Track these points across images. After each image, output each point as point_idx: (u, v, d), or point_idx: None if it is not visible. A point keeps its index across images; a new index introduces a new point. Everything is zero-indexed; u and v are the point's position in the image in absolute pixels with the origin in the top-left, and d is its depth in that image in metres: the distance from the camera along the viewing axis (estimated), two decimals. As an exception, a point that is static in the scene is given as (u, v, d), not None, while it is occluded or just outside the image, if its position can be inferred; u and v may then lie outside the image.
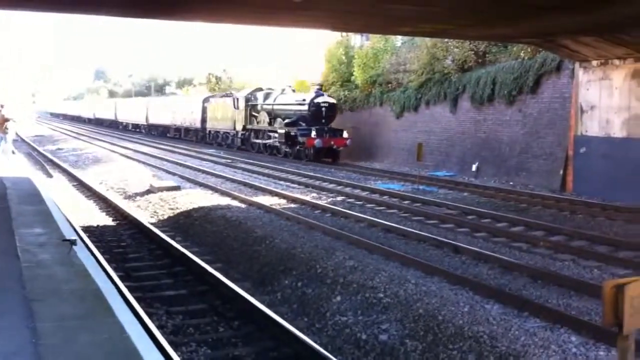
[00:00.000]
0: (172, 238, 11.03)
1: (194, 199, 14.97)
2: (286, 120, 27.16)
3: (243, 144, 32.04)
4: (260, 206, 14.03)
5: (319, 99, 26.09)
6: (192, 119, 40.07)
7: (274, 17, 14.33)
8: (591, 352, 5.84)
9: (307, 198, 15.38)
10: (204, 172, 21.57)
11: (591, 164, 16.72)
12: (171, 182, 17.97)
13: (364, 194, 16.39)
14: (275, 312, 7.05)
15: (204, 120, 37.86)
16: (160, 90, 74.70)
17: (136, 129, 53.56)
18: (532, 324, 6.65)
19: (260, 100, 30.34)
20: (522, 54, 20.54)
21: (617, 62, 16.01)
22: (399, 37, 27.79)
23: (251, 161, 25.64)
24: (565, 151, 17.74)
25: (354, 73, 29.92)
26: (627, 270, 8.73)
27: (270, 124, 29.02)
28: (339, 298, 7.66)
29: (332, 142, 25.33)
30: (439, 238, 10.55)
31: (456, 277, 8.26)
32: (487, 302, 7.34)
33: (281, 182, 19.02)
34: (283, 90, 29.93)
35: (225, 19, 15.52)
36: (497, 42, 21.84)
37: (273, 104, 29.20)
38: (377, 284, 7.96)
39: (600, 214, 13.35)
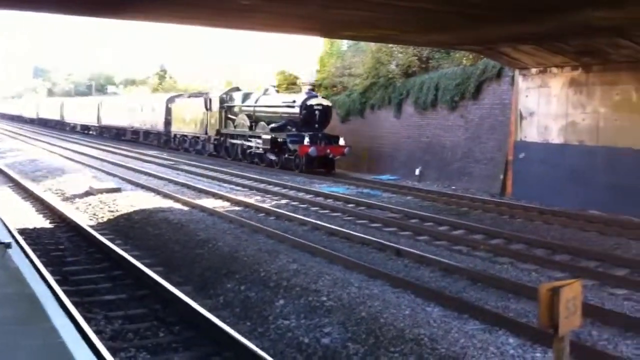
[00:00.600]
0: (112, 241, 10.79)
1: (135, 201, 14.70)
2: (272, 125, 23.89)
3: (216, 150, 28.74)
4: (203, 209, 13.88)
5: (312, 101, 22.90)
6: (153, 120, 36.43)
7: (222, 18, 14.22)
8: (528, 354, 5.97)
9: (251, 201, 15.30)
10: (146, 174, 21.20)
11: (530, 169, 17.15)
12: (111, 183, 17.61)
13: (308, 197, 16.40)
14: (217, 317, 6.97)
15: (168, 123, 34.23)
16: (102, 89, 73.12)
17: (86, 130, 49.88)
18: (471, 326, 6.76)
19: (237, 102, 27.16)
20: (464, 60, 20.94)
21: (555, 70, 16.46)
22: (345, 40, 27.85)
23: (195, 163, 25.32)
24: (505, 156, 18.14)
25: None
26: (563, 273, 8.97)
27: (251, 128, 25.59)
28: (282, 302, 7.62)
29: (329, 151, 22.26)
30: (382, 241, 10.63)
31: (398, 280, 8.33)
32: (428, 304, 7.43)
33: (225, 185, 18.86)
34: (266, 90, 26.58)
35: (172, 19, 15.32)
36: (439, 48, 22.20)
37: (255, 106, 25.77)
38: (320, 287, 7.96)
39: (538, 218, 13.69)
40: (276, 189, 17.95)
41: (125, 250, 10.11)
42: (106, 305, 7.74)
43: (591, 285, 8.49)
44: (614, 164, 15.12)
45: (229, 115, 27.75)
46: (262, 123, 24.75)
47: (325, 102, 23.40)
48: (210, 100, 28.76)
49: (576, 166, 15.88)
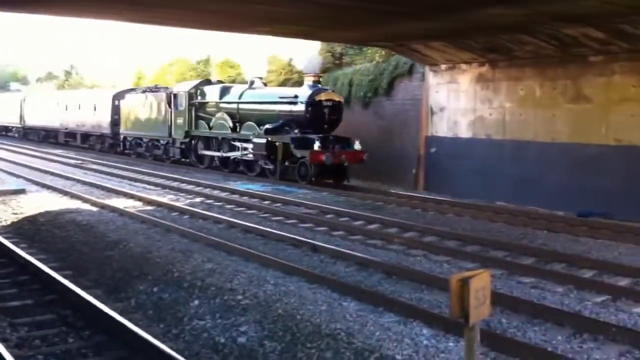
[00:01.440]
0: (16, 245, 10.28)
1: (40, 202, 14.08)
2: (266, 126, 19.17)
3: (184, 155, 24.07)
4: (113, 209, 13.45)
5: (321, 96, 18.57)
6: (95, 121, 31.02)
7: (134, 13, 13.86)
8: (441, 344, 6.08)
9: (164, 200, 14.96)
10: (52, 174, 20.38)
11: (441, 163, 17.60)
12: (14, 185, 16.82)
13: (223, 194, 16.20)
14: (129, 320, 6.74)
15: (115, 123, 29.11)
16: (4, 86, 69.80)
17: (4, 132, 43.22)
18: (387, 318, 6.84)
19: (213, 97, 22.51)
20: (377, 56, 21.23)
21: (463, 66, 16.93)
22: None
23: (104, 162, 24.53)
24: (417, 151, 18.53)
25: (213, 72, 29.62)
26: (474, 264, 9.21)
27: (234, 129, 21.01)
28: (196, 302, 7.47)
29: (344, 157, 17.87)
30: (298, 237, 10.61)
31: (315, 276, 8.32)
32: (345, 299, 7.46)
33: (137, 184, 18.37)
34: (252, 83, 21.86)
35: (83, 14, 14.80)
36: (352, 44, 22.43)
37: (239, 102, 21.29)
38: (236, 286, 7.86)
39: (450, 210, 14.04)
40: (190, 187, 17.65)
41: (31, 254, 9.64)
42: (11, 312, 7.35)
43: (500, 275, 8.77)
44: (519, 157, 15.71)
45: (201, 114, 23.05)
46: (250, 123, 20.34)
47: (337, 97, 19.12)
48: (174, 96, 24.01)
49: (484, 160, 16.41)
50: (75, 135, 33.82)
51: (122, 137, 28.64)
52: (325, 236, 11.20)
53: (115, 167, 22.74)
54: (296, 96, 19.06)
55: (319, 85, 19.21)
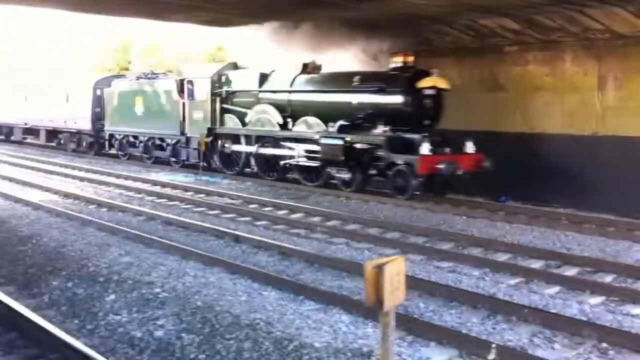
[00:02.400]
0: None
1: (-51, 197, 13.42)
2: (340, 122, 14.69)
3: (203, 159, 18.72)
4: (27, 203, 12.94)
5: (425, 82, 13.98)
6: (69, 115, 25.17)
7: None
8: (360, 330, 6.13)
9: (82, 192, 14.51)
10: (-37, 167, 19.47)
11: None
12: None
13: (144, 186, 15.85)
14: (42, 316, 6.50)
15: (98, 118, 23.75)
16: None
17: None
18: (307, 307, 6.84)
19: (248, 85, 17.67)
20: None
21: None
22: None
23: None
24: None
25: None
26: (394, 250, 9.34)
27: (284, 126, 16.60)
28: (112, 296, 7.27)
29: (458, 163, 13.37)
30: (220, 228, 10.49)
31: (236, 266, 8.24)
32: (265, 289, 7.42)
33: (53, 177, 17.75)
34: (305, 67, 16.47)
35: None
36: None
37: (291, 91, 16.54)
38: (154, 279, 7.70)
39: (373, 199, 14.17)
40: (109, 179, 17.19)
41: (-64, 252, 9.18)
42: None
43: (420, 260, 8.92)
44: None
45: (229, 107, 18.26)
46: (310, 118, 15.88)
47: (443, 83, 14.21)
48: (190, 83, 18.97)
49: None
50: (38, 131, 28.07)
51: (107, 134, 23.23)
52: (249, 226, 11.12)
53: (31, 160, 21.89)
54: (385, 82, 14.40)
55: (412, 66, 14.44)
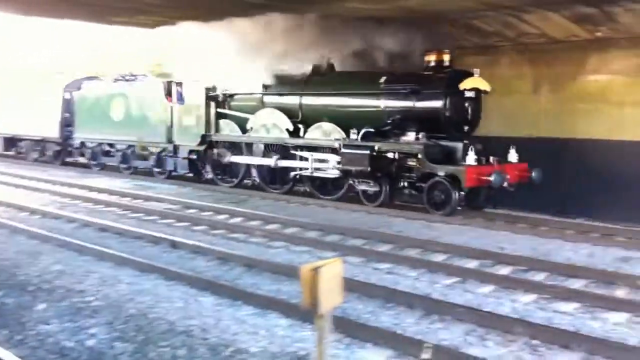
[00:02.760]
0: None
1: None
2: (364, 129, 13.28)
3: (194, 170, 17.55)
4: (-45, 211, 12.47)
5: (467, 83, 12.64)
6: (35, 120, 22.63)
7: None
8: (297, 333, 6.11)
9: (13, 199, 14.02)
10: None
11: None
12: None
13: (80, 192, 15.46)
14: (-33, 329, 6.26)
15: (67, 124, 21.57)
16: None
17: None
18: (244, 312, 6.78)
19: (251, 87, 15.90)
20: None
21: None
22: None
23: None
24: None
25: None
26: (334, 252, 9.34)
27: (294, 132, 15.01)
28: (43, 306, 7.05)
29: (505, 174, 12.09)
30: (156, 234, 10.31)
31: (172, 272, 8.10)
32: (202, 294, 7.32)
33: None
34: (317, 68, 14.95)
35: None
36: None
37: (303, 94, 15.00)
38: (86, 287, 7.51)
39: (313, 202, 14.19)
40: (42, 184, 16.70)
41: None
42: None
43: (359, 262, 8.97)
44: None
45: (227, 111, 16.70)
46: (326, 124, 14.35)
47: (484, 85, 12.81)
48: (180, 85, 17.44)
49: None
50: None
51: (77, 142, 21.19)
52: (187, 232, 10.98)
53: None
54: (419, 84, 13.02)
55: (447, 66, 13.07)
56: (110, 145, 20.06)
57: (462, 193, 12.13)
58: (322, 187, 14.64)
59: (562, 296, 7.27)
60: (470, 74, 12.67)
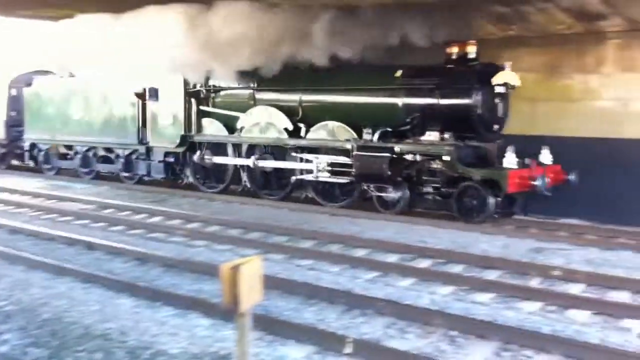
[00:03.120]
0: None
1: None
2: (379, 130, 12.19)
3: (172, 173, 15.81)
4: None
5: (499, 77, 11.43)
6: None
7: None
8: (218, 333, 6.04)
9: None
10: None
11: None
12: None
13: (-9, 194, 14.78)
14: None
15: (15, 124, 19.61)
16: None
17: None
18: (164, 313, 6.65)
19: (241, 81, 14.27)
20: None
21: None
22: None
23: None
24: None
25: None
26: (256, 250, 9.30)
27: (293, 133, 13.68)
28: (-51, 313, 6.70)
29: (545, 176, 11.02)
30: (71, 236, 9.97)
31: (88, 275, 7.85)
32: (120, 297, 7.13)
33: None
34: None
35: None
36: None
37: (305, 89, 13.61)
38: (-3, 292, 7.18)
39: (235, 200, 14.08)
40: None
41: None
42: None
43: (281, 259, 8.96)
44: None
45: (210, 109, 15.11)
46: (333, 124, 13.06)
47: (515, 80, 11.53)
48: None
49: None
50: None
51: (27, 144, 19.02)
52: (103, 232, 10.68)
53: None
54: (446, 78, 11.82)
55: (476, 59, 11.79)
56: (68, 147, 18.09)
57: (499, 199, 11.13)
58: (326, 192, 13.35)
59: (478, 287, 7.48)
60: (500, 68, 11.48)
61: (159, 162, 15.74)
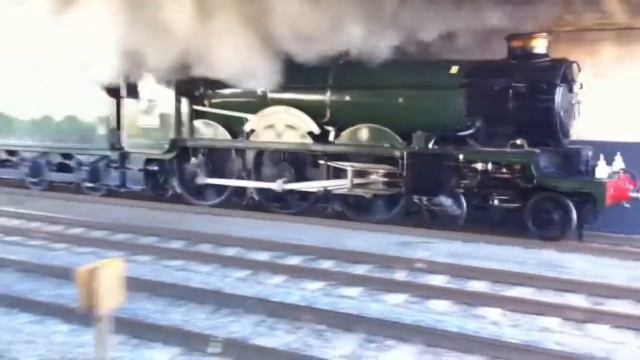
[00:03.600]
0: None
1: None
2: (435, 135, 10.67)
3: (151, 184, 13.64)
4: None
5: (575, 74, 10.62)
6: None
7: None
8: (78, 338, 5.78)
9: None
10: None
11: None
12: None
13: None
14: None
15: None
16: None
17: None
18: (21, 320, 6.29)
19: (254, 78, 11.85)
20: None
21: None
22: None
23: None
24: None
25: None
26: (122, 252, 8.97)
27: (320, 137, 11.92)
28: None
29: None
30: None
31: None
32: (-29, 305, 6.66)
33: None
34: (345, 54, 11.70)
35: None
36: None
37: (332, 87, 11.92)
38: None
39: (104, 201, 13.60)
40: None
41: None
42: None
43: (149, 260, 8.74)
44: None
45: (207, 110, 13.13)
46: (372, 127, 11.45)
47: (587, 78, 10.82)
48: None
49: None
50: None
51: None
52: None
53: None
54: (521, 75, 10.49)
55: (546, 54, 10.66)
56: (10, 153, 15.38)
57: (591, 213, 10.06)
58: (360, 206, 11.72)
59: (347, 282, 7.63)
60: (574, 64, 10.58)
61: (139, 170, 13.57)
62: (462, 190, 10.47)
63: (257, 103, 12.45)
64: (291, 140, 12.02)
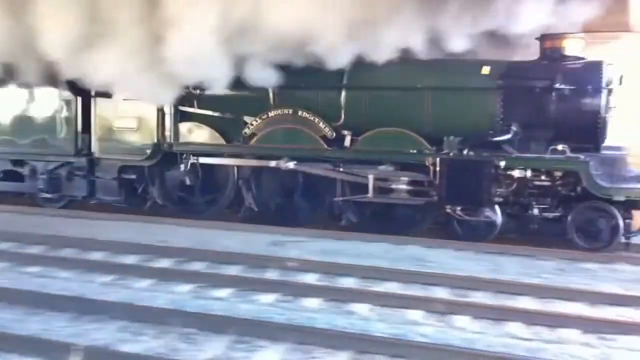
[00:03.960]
0: None
1: None
2: (469, 141, 10.08)
3: (125, 195, 12.17)
4: None
5: (615, 77, 10.05)
6: None
7: None
8: None
9: None
10: None
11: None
12: None
13: None
14: None
15: None
16: None
17: None
18: None
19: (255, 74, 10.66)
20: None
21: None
22: None
23: None
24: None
25: None
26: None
27: (337, 141, 10.94)
28: None
29: None
30: None
31: None
32: None
33: None
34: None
35: None
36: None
37: (348, 87, 10.95)
38: None
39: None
40: None
41: None
42: None
43: (5, 267, 8.25)
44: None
45: (196, 111, 11.77)
46: (394, 131, 10.53)
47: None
48: None
49: None
50: None
51: None
52: None
53: None
54: (562, 77, 9.92)
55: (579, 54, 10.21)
56: None
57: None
58: (380, 217, 10.85)
59: (217, 283, 7.51)
60: (613, 67, 10.11)
61: (113, 179, 12.11)
62: (499, 199, 9.88)
63: (260, 103, 11.31)
64: (300, 145, 10.97)
